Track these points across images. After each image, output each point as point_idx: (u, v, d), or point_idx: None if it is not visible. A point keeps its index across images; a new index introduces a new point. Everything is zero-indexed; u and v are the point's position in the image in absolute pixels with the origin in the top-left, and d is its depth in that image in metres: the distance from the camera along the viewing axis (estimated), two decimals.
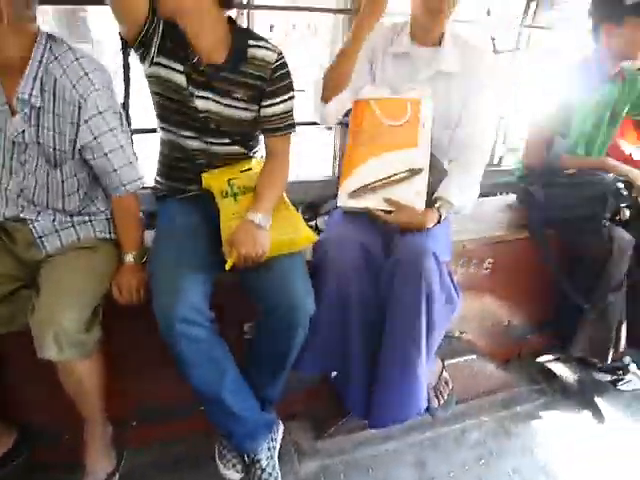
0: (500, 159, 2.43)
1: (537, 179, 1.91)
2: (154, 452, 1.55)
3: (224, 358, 1.24)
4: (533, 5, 2.22)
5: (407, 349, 1.34)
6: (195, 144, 1.34)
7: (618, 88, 1.90)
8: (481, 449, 1.71)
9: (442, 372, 1.72)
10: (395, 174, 1.38)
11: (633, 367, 1.96)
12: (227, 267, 1.16)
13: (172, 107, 1.29)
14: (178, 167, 1.40)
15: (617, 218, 1.80)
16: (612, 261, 1.74)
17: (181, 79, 1.25)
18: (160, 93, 1.28)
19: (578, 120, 1.87)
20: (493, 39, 2.31)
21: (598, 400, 1.92)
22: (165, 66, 1.24)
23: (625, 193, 1.78)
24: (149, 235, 1.37)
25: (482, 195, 2.11)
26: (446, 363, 1.75)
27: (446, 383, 1.72)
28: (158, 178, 1.46)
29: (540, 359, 2.10)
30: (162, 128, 1.37)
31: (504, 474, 1.62)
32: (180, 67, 1.24)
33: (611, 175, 1.81)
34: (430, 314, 1.32)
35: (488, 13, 2.32)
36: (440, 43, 1.47)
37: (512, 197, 2.09)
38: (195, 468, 1.51)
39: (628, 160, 2.01)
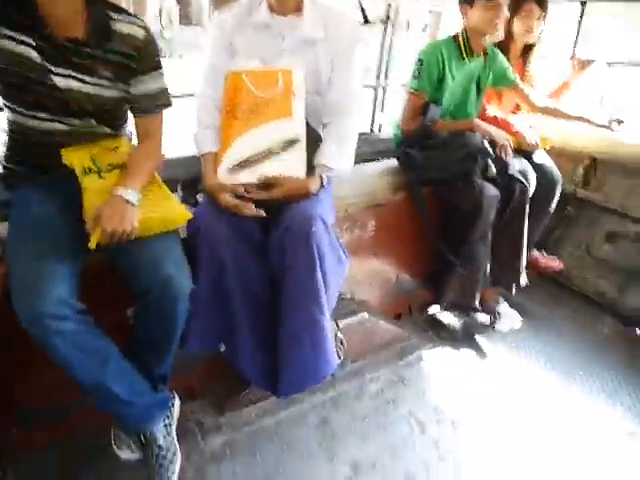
0: (380, 127, 2.53)
1: (415, 142, 2.04)
2: (42, 457, 1.45)
3: (103, 346, 1.18)
4: None
5: (311, 310, 1.36)
6: (51, 126, 1.23)
7: (480, 63, 2.09)
8: (379, 399, 1.82)
9: (337, 333, 1.79)
10: (273, 146, 1.39)
11: (505, 306, 2.19)
12: (91, 246, 1.09)
13: (22, 85, 1.17)
14: (31, 151, 1.28)
15: (487, 174, 1.96)
16: (481, 215, 1.91)
17: (32, 53, 1.13)
18: (4, 68, 1.15)
19: (449, 90, 2.04)
20: (363, 9, 2.37)
21: (480, 341, 2.13)
22: (10, 37, 1.11)
23: (491, 151, 1.95)
24: (3, 227, 1.24)
25: (364, 161, 2.22)
26: (340, 324, 1.83)
27: (341, 343, 1.80)
28: (7, 164, 1.33)
29: (429, 310, 2.27)
30: (8, 107, 1.23)
31: (401, 418, 1.74)
32: (30, 40, 1.12)
33: (478, 135, 1.97)
34: (324, 275, 1.36)
35: None
36: (300, 10, 1.47)
37: (393, 162, 2.19)
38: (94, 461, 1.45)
39: (493, 122, 2.20)
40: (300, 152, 1.41)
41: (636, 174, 2.36)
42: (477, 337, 2.15)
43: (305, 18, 1.46)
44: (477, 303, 2.10)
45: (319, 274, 1.34)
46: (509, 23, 2.19)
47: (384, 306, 2.12)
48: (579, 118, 2.31)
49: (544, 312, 2.35)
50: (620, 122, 2.27)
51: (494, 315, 2.17)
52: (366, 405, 1.80)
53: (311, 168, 1.44)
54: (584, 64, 2.44)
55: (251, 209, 1.34)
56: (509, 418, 1.77)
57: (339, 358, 1.76)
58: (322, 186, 1.43)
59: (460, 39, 2.01)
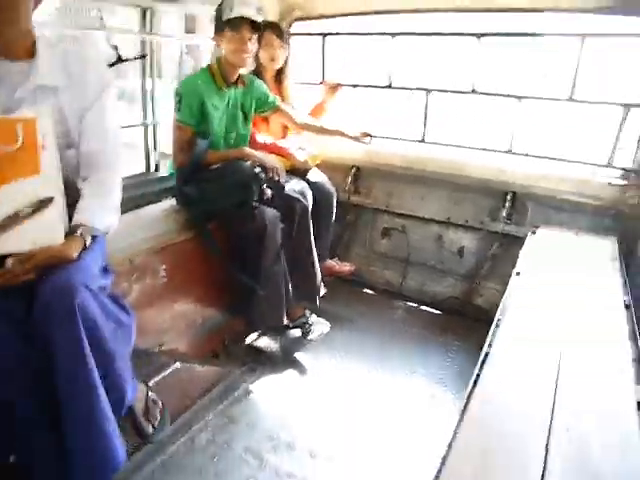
0: (156, 166, 2.44)
1: (190, 177, 2.01)
2: None
3: None
4: (148, 14, 2.27)
5: (86, 399, 1.18)
6: None
7: (241, 91, 2.16)
8: (213, 447, 1.71)
9: (147, 394, 1.63)
10: (20, 209, 1.18)
11: (313, 317, 2.31)
12: None
13: None
14: None
15: (264, 198, 2.04)
16: (267, 237, 1.98)
17: None
18: None
19: (214, 120, 2.06)
20: (116, 47, 2.27)
21: (299, 356, 2.21)
22: None
23: (263, 176, 2.03)
24: None
25: (144, 204, 2.10)
26: (152, 382, 1.68)
27: (155, 403, 1.65)
28: None
29: (245, 341, 2.26)
30: None
31: (238, 458, 1.67)
32: None
33: (249, 162, 2.04)
34: (104, 346, 1.20)
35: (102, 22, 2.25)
36: (33, 54, 1.30)
37: (173, 201, 2.12)
38: None
39: (263, 147, 2.32)
40: (56, 213, 1.21)
41: (390, 178, 2.77)
42: (296, 354, 2.22)
43: (39, 63, 1.27)
44: (286, 320, 2.16)
45: (89, 357, 1.16)
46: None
47: (197, 349, 2.03)
48: (336, 131, 2.58)
49: (348, 312, 2.57)
50: (369, 135, 2.61)
51: (305, 327, 2.27)
52: (199, 457, 1.67)
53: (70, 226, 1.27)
54: (333, 87, 2.76)
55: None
56: (338, 418, 1.86)
57: (156, 419, 1.62)
58: (85, 248, 1.26)
59: (215, 69, 2.05)
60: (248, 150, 2.12)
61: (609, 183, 2.25)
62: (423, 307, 2.72)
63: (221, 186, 1.95)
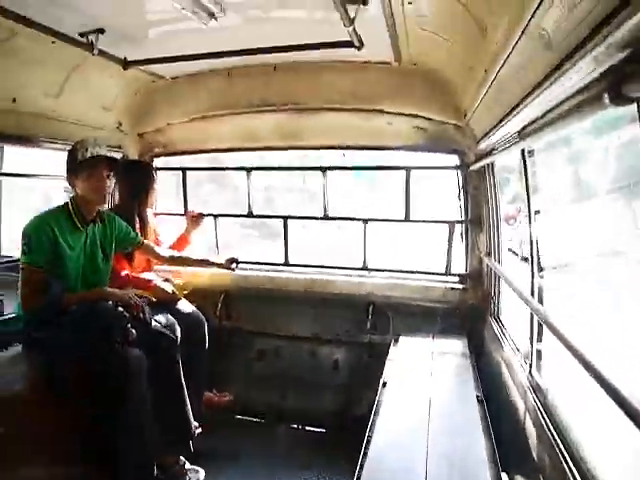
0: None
1: (42, 322, 1.83)
2: None
3: None
4: None
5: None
6: None
7: (100, 229, 2.11)
8: None
9: None
10: None
11: (187, 465, 2.10)
12: None
13: None
14: None
15: (129, 339, 1.91)
16: (132, 380, 1.83)
17: None
18: None
19: (71, 260, 1.95)
20: None
21: None
22: None
23: (127, 315, 1.93)
24: None
25: None
26: None
27: None
28: None
29: None
30: None
31: None
32: None
33: (110, 302, 1.94)
34: None
35: None
36: None
37: (17, 348, 1.89)
38: None
39: (127, 282, 2.24)
40: None
41: (260, 300, 2.83)
42: None
43: None
44: (155, 473, 1.92)
45: None
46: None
47: None
48: (202, 261, 2.62)
49: (230, 448, 2.39)
50: (236, 262, 2.69)
51: (180, 477, 2.04)
52: None
53: None
54: (196, 217, 2.84)
55: None
56: None
57: None
58: None
59: (70, 208, 1.99)
60: (108, 290, 2.02)
61: (451, 288, 2.59)
62: (307, 427, 2.66)
63: (80, 330, 1.80)
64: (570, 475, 1.05)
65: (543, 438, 1.25)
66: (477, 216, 2.51)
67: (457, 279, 2.62)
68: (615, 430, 1.65)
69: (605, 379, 0.85)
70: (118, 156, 2.59)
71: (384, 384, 1.85)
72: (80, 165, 1.96)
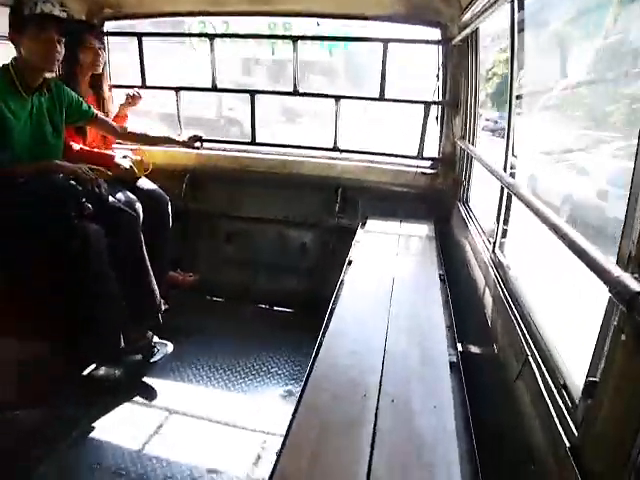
0: None
1: None
2: None
3: None
4: None
5: None
6: None
7: (48, 99, 1.88)
8: None
9: None
10: None
11: (155, 339, 2.15)
12: None
13: None
14: None
15: (84, 214, 1.82)
16: (91, 256, 1.78)
17: None
18: None
19: (15, 130, 1.75)
20: None
21: (142, 380, 2.04)
22: None
23: (80, 189, 1.81)
24: None
25: None
26: None
27: None
28: None
29: (82, 375, 2.01)
30: None
31: None
32: None
33: (61, 176, 1.80)
34: None
35: None
36: None
37: None
38: None
39: (82, 156, 2.08)
40: None
41: (226, 182, 2.72)
42: (140, 380, 2.03)
43: None
44: (123, 344, 1.94)
45: None
46: (72, 56, 2.10)
47: (20, 393, 1.73)
48: (163, 138, 2.45)
49: (195, 324, 2.45)
50: (201, 140, 2.52)
51: (146, 350, 2.10)
52: None
53: None
54: (133, 98, 2.56)
55: None
56: (193, 439, 1.75)
57: None
58: None
59: (12, 72, 1.74)
60: (58, 162, 1.86)
61: (422, 172, 2.54)
62: (275, 307, 2.74)
63: (30, 204, 1.68)
64: (521, 336, 1.10)
65: (499, 307, 1.29)
66: (455, 97, 2.38)
67: (429, 163, 2.56)
68: (562, 297, 1.77)
69: (570, 237, 0.85)
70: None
71: (349, 262, 1.86)
72: (26, 22, 1.67)
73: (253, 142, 2.70)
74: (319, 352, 1.24)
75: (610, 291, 0.70)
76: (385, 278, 1.73)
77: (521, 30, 1.58)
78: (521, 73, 1.64)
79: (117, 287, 1.90)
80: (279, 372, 2.14)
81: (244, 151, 2.74)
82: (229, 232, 2.81)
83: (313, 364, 1.18)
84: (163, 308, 2.14)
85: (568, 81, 2.60)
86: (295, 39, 2.48)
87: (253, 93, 2.63)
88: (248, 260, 2.79)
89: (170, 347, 2.17)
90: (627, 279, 0.65)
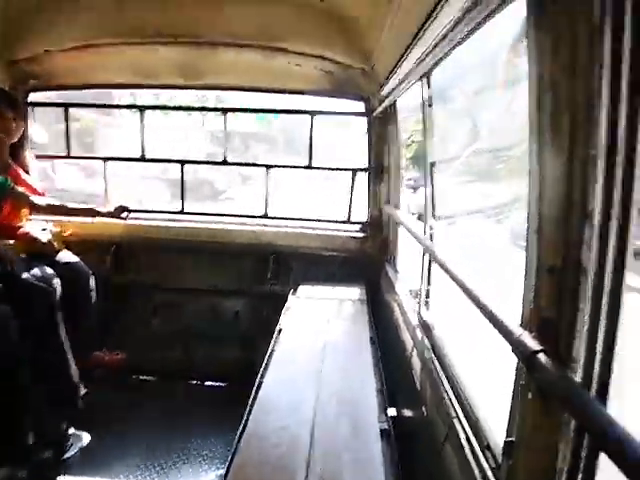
0: None
1: None
2: None
3: None
4: None
5: None
6: None
7: None
8: None
9: None
10: None
11: (71, 430, 1.93)
12: None
13: None
14: None
15: None
16: None
17: None
18: None
19: None
20: None
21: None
22: None
23: None
24: None
25: None
26: None
27: None
28: None
29: None
30: None
31: None
32: None
33: None
34: None
35: None
36: None
37: None
38: None
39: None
40: None
41: (154, 252, 2.64)
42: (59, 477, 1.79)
43: None
44: (34, 440, 1.74)
45: None
46: None
47: None
48: (87, 210, 2.37)
49: (121, 409, 2.22)
50: (127, 210, 2.45)
51: (59, 445, 1.88)
52: None
53: None
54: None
55: None
56: None
57: None
58: None
59: None
60: None
61: (352, 237, 2.60)
62: (207, 382, 2.59)
63: None
64: (447, 398, 1.10)
65: (427, 368, 1.29)
66: (379, 164, 2.51)
67: (358, 228, 2.64)
68: (484, 354, 1.81)
69: (482, 302, 0.88)
70: None
71: (279, 331, 1.82)
72: None
73: (182, 211, 2.67)
74: (244, 431, 1.17)
75: (513, 351, 0.73)
76: (316, 344, 1.70)
77: (430, 105, 1.72)
78: (434, 141, 1.76)
79: (29, 373, 1.73)
80: (210, 455, 1.98)
81: (174, 220, 2.69)
82: (158, 305, 2.68)
83: (237, 447, 1.11)
84: (82, 392, 1.95)
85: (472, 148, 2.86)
86: (225, 111, 2.56)
87: (183, 163, 2.63)
88: (179, 334, 2.65)
89: (87, 438, 1.96)
90: (526, 337, 0.68)
